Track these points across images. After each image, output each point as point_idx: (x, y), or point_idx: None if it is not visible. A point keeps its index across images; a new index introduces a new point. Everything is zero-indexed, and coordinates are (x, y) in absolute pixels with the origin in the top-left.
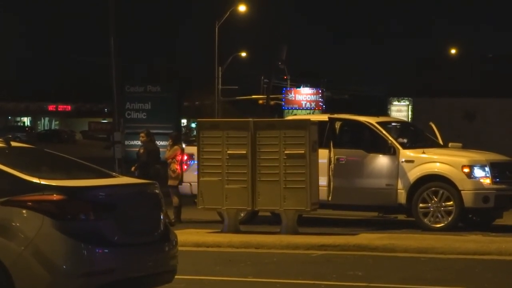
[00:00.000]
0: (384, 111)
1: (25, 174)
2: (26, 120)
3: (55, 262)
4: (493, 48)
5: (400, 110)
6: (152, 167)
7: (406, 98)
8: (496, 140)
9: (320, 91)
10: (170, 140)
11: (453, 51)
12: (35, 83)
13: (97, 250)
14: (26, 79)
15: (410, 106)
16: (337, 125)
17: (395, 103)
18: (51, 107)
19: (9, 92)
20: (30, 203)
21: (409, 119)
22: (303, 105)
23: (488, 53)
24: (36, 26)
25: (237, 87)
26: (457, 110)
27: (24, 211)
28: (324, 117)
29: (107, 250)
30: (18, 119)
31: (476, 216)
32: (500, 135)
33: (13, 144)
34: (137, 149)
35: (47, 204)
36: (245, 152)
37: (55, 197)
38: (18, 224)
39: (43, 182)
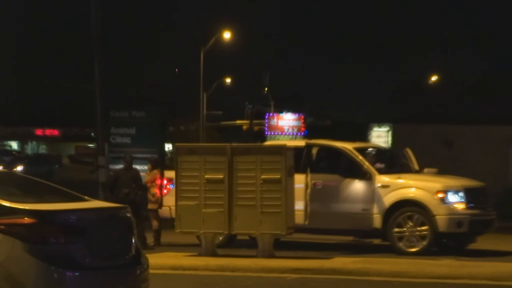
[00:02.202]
0: (365, 137)
1: None
2: (14, 144)
3: (26, 285)
4: (474, 74)
5: (380, 135)
6: (120, 191)
7: (387, 124)
8: (473, 166)
9: (302, 116)
10: (149, 165)
11: (434, 77)
12: (21, 107)
13: (67, 274)
14: (13, 103)
15: (390, 132)
16: (314, 150)
17: (376, 128)
18: (38, 132)
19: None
20: (0, 226)
21: (389, 145)
22: (286, 130)
23: (468, 80)
24: (22, 47)
25: (221, 112)
26: (436, 136)
27: None
28: (302, 143)
29: (77, 274)
30: (5, 142)
31: (450, 241)
32: (477, 161)
33: None
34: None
35: (17, 228)
36: (222, 176)
37: (26, 220)
38: None
39: (14, 205)
